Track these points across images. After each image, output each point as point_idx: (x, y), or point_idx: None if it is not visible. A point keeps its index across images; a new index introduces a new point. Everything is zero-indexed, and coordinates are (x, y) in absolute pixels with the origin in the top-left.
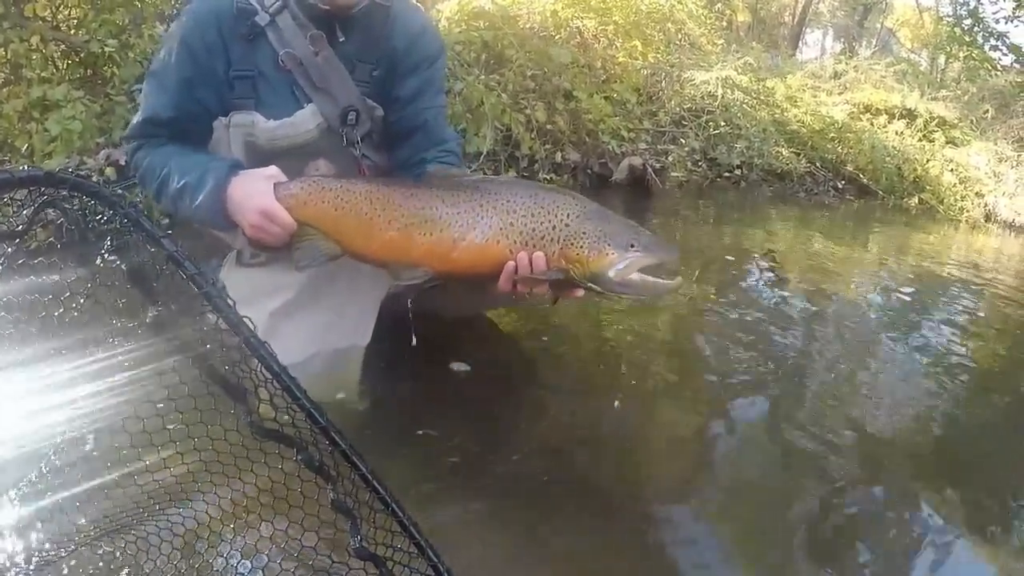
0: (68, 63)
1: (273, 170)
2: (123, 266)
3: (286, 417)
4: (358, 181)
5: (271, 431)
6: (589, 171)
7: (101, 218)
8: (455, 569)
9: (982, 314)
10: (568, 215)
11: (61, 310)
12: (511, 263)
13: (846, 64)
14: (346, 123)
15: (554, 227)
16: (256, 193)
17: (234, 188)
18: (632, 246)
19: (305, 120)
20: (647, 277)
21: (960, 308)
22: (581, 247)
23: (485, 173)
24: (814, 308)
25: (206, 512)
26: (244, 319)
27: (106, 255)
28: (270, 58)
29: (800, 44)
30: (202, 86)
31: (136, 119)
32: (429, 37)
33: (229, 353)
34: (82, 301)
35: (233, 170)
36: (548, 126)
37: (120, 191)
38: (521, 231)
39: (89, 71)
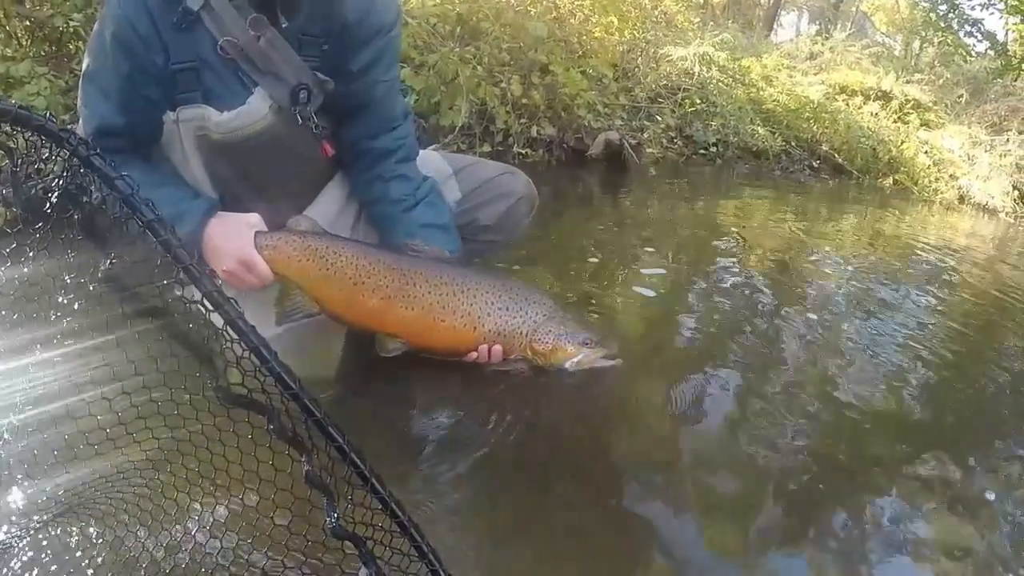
0: (32, 38)
1: (255, 218)
2: (75, 214)
3: (255, 382)
4: (344, 244)
5: (239, 397)
6: (565, 146)
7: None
8: (440, 550)
9: (954, 292)
10: (537, 314)
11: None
12: (484, 348)
13: (822, 45)
14: (297, 102)
15: (524, 323)
16: (236, 240)
17: (213, 230)
18: (586, 343)
19: (259, 106)
20: (595, 363)
21: (933, 287)
22: (546, 343)
23: (459, 147)
24: (788, 285)
25: (173, 485)
26: (208, 272)
27: (53, 199)
28: (210, 45)
29: (775, 26)
30: (144, 82)
31: (82, 131)
32: (382, 7)
33: (193, 311)
34: (31, 254)
35: (210, 212)
36: (524, 100)
37: (69, 127)
38: (496, 323)
39: (53, 47)
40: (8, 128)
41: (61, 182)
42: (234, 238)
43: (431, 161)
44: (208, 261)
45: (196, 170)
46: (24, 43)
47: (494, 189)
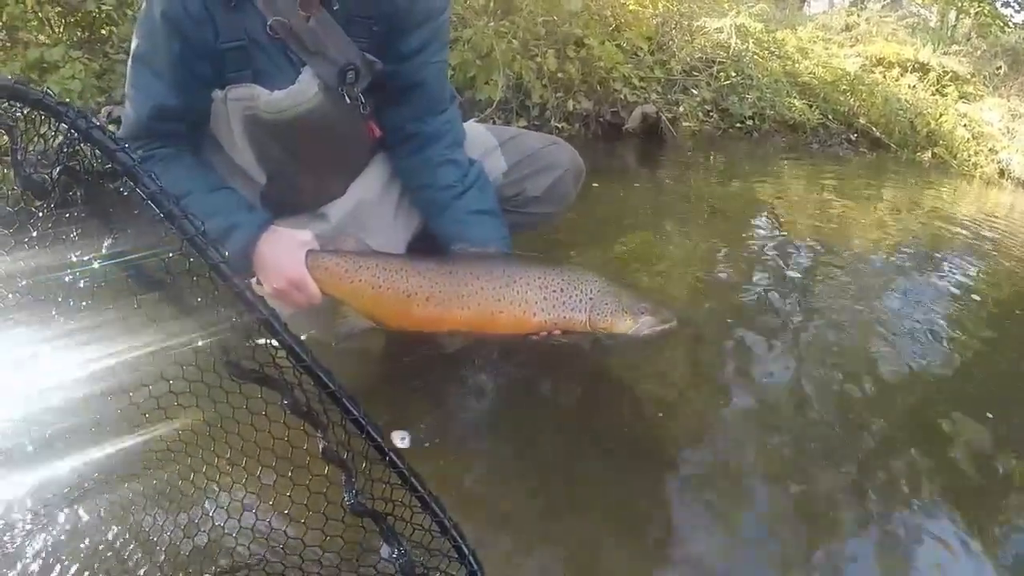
0: (65, 23)
1: (307, 235)
2: (78, 192)
3: (268, 356)
4: (392, 259)
5: (251, 372)
6: (601, 120)
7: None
8: (462, 525)
9: (993, 270)
10: (592, 290)
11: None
12: (545, 332)
13: (857, 16)
14: (345, 81)
15: (581, 302)
16: (287, 259)
17: (265, 245)
18: (643, 312)
19: (309, 86)
20: (654, 328)
21: (973, 263)
22: (605, 316)
23: (495, 122)
24: (825, 258)
25: (189, 466)
26: (214, 246)
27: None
28: (260, 25)
29: None
30: (196, 59)
31: (134, 114)
32: None
33: (201, 285)
34: (34, 235)
35: (264, 227)
36: (559, 74)
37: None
38: (554, 306)
39: (86, 32)
40: (6, 104)
41: (61, 157)
42: (285, 256)
43: (476, 133)
44: (258, 276)
45: (243, 149)
46: (57, 29)
47: (540, 160)
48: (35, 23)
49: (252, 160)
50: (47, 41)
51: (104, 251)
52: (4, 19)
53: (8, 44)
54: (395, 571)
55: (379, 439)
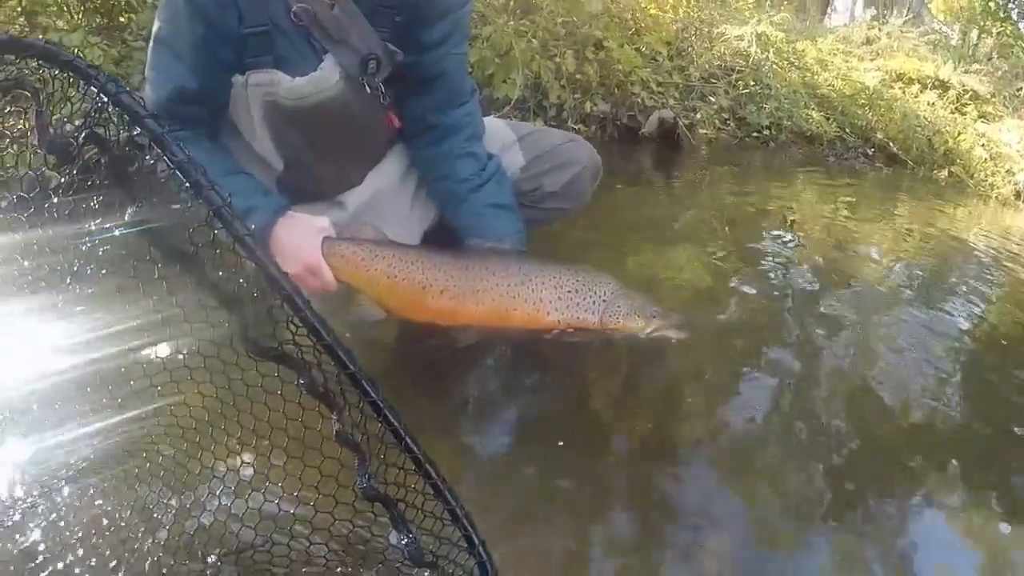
0: (84, 10)
1: (324, 222)
2: (102, 158)
3: (287, 333)
4: (408, 250)
5: (269, 349)
6: (618, 123)
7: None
8: (474, 514)
9: (1006, 292)
10: (605, 292)
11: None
12: (557, 331)
13: (879, 30)
14: (367, 71)
15: (594, 302)
16: (303, 244)
17: (281, 230)
18: (654, 315)
19: (331, 73)
20: (664, 333)
21: (984, 284)
22: (617, 319)
23: (512, 120)
24: (835, 272)
25: (197, 443)
26: (240, 220)
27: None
28: (284, 11)
29: (829, 10)
30: (219, 43)
31: (153, 96)
32: None
33: (223, 258)
34: (55, 201)
35: (280, 211)
36: (578, 75)
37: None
38: (568, 305)
39: (105, 19)
40: (35, 64)
41: (88, 121)
42: (302, 241)
43: (495, 128)
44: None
45: (261, 135)
46: (76, 15)
47: (559, 157)
48: (54, 8)
49: (270, 147)
50: (65, 27)
51: (127, 219)
52: (24, 4)
53: (27, 29)
54: (403, 557)
55: (396, 423)
